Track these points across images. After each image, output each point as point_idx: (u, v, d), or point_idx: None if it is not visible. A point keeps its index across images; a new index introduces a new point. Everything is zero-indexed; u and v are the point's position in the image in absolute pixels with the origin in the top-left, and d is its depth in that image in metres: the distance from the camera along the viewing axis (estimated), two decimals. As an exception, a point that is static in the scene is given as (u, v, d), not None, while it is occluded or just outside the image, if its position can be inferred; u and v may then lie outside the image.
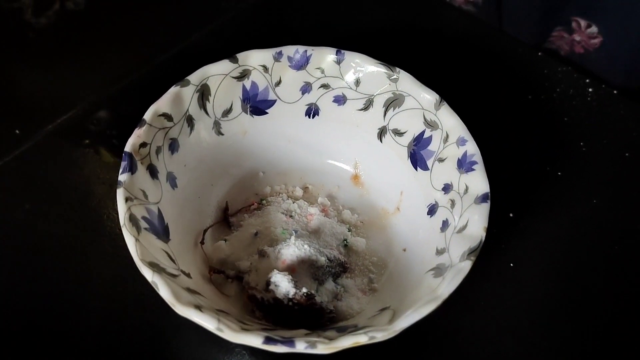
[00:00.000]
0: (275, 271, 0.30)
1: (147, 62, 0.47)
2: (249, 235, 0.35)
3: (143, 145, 0.32)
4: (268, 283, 0.30)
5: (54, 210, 0.38)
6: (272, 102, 0.38)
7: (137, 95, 0.44)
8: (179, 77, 0.35)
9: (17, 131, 0.42)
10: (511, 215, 0.39)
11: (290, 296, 0.29)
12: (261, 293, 0.31)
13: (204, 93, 0.36)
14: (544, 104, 0.46)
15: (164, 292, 0.26)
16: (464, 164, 0.33)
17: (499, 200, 0.33)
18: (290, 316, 0.30)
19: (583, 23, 0.48)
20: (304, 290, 0.30)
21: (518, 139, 0.44)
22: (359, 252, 0.35)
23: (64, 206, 0.38)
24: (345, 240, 0.36)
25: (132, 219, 0.29)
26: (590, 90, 0.47)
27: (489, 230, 0.30)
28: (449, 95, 0.36)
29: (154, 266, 0.27)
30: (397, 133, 0.37)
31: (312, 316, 0.30)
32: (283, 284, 0.30)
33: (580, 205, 0.40)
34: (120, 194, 0.30)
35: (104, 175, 0.40)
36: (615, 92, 0.47)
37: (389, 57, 0.37)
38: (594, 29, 0.48)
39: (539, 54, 0.50)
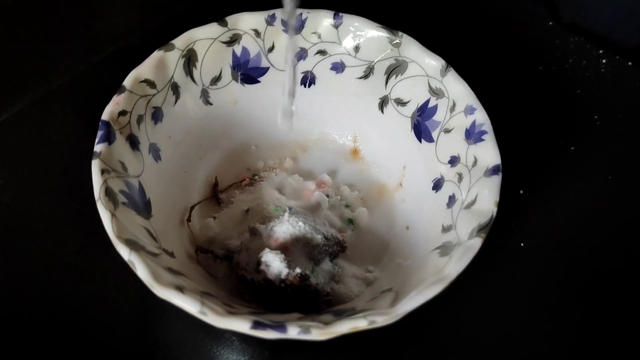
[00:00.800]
0: (267, 250, 0.28)
1: (134, 29, 0.44)
2: (239, 212, 0.33)
3: (122, 113, 0.30)
4: (259, 263, 0.28)
5: (31, 186, 0.35)
6: (265, 70, 0.35)
7: (122, 65, 0.41)
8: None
9: (-8, 103, 0.39)
10: (521, 192, 0.36)
11: (282, 277, 0.27)
12: (251, 274, 0.28)
13: (190, 59, 0.33)
14: (556, 75, 0.44)
15: (142, 271, 0.24)
16: (472, 134, 0.30)
17: (509, 176, 0.30)
18: (282, 299, 0.27)
19: None
20: (298, 270, 0.27)
21: (528, 112, 0.41)
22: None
23: (42, 181, 0.35)
24: (350, 221, 0.33)
25: (109, 193, 0.26)
26: (603, 61, 0.45)
27: (498, 208, 0.27)
28: (455, 63, 0.33)
29: (132, 244, 0.25)
30: (400, 103, 0.34)
31: (306, 299, 0.28)
32: (275, 264, 0.27)
33: (594, 181, 0.38)
34: (95, 166, 0.27)
35: (86, 148, 0.37)
36: (630, 63, 0.44)
37: (391, 21, 0.35)
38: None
39: (550, 23, 0.47)
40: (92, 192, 0.27)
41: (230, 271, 0.30)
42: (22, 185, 0.35)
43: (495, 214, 0.27)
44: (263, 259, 0.27)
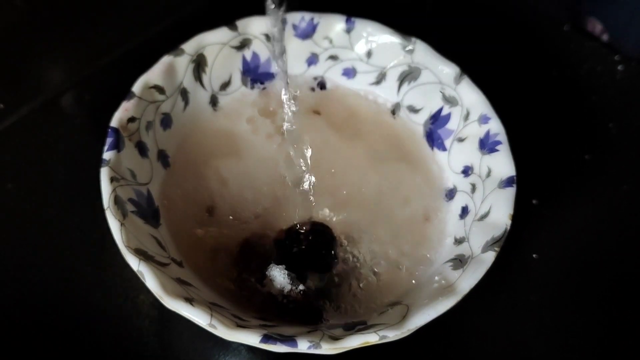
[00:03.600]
0: (272, 265, 0.28)
1: (141, 32, 0.44)
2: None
3: (131, 120, 0.29)
4: (264, 277, 0.27)
5: (38, 191, 0.35)
6: (275, 75, 0.35)
7: (130, 69, 0.41)
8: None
9: (1, 105, 0.39)
10: (534, 202, 0.36)
11: (285, 292, 0.27)
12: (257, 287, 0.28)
13: (200, 64, 0.33)
14: (570, 81, 0.43)
15: (151, 283, 0.24)
16: (486, 144, 0.30)
17: (521, 185, 0.30)
18: (285, 315, 0.27)
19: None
20: (301, 286, 0.27)
21: (541, 120, 0.40)
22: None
23: (49, 186, 0.35)
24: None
25: (118, 202, 0.26)
26: (620, 68, 0.44)
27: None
28: (467, 68, 0.32)
29: (141, 253, 0.25)
30: (412, 110, 0.34)
31: (309, 316, 0.27)
32: (278, 279, 0.27)
33: (609, 191, 0.37)
34: (104, 174, 0.27)
35: (94, 154, 0.37)
36: (647, 70, 0.44)
37: (404, 26, 0.34)
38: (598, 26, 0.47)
39: (564, 28, 0.46)
40: (99, 197, 0.27)
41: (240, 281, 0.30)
42: (30, 189, 0.35)
43: (509, 227, 0.27)
44: (268, 274, 0.27)
